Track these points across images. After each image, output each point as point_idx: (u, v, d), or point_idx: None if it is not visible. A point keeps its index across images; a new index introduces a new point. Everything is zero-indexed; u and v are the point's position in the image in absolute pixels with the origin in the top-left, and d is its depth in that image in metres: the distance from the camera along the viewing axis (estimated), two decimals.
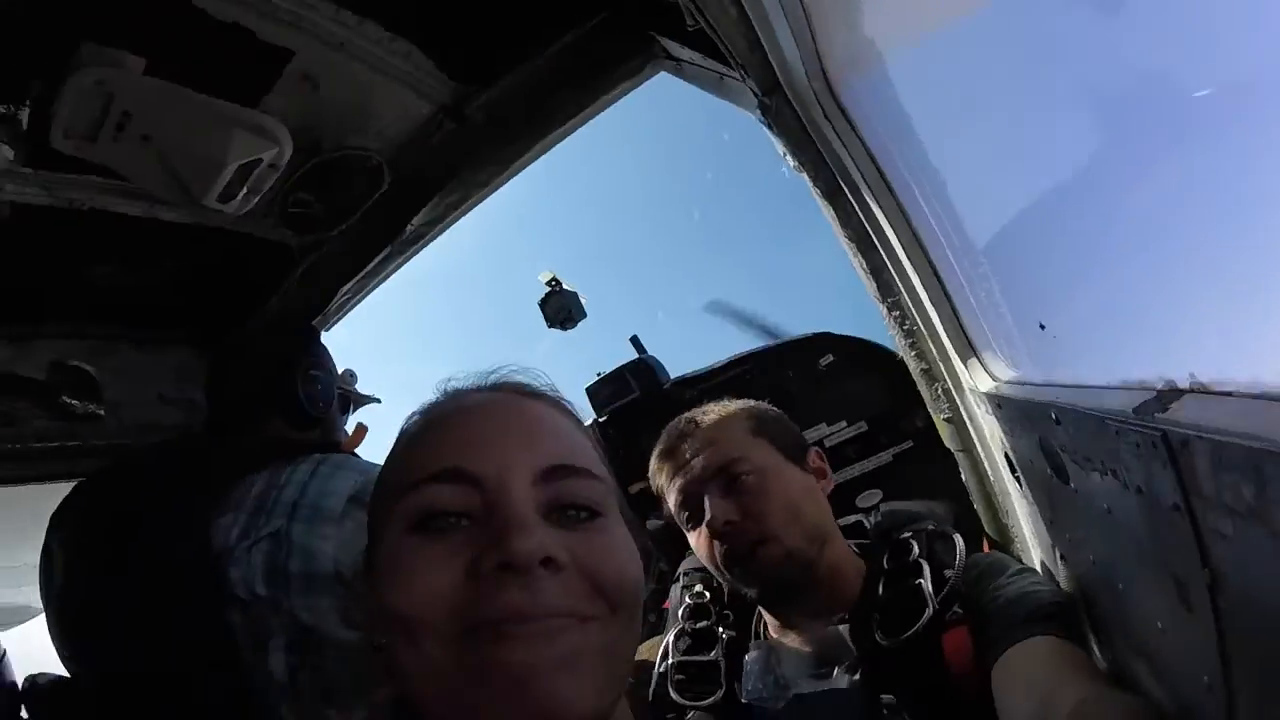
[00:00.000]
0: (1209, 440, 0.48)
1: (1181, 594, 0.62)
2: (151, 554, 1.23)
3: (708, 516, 1.29)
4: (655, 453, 1.43)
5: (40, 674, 1.39)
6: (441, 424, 0.71)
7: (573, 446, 0.70)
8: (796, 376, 1.91)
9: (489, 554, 0.60)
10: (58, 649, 1.36)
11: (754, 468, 1.31)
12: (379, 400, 1.98)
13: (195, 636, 1.19)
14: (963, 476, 1.48)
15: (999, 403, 1.11)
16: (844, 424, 1.92)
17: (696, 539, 1.34)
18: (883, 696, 1.10)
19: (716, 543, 1.29)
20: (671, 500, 1.37)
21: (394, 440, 0.75)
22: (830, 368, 1.92)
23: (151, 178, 1.44)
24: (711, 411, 1.42)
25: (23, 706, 1.33)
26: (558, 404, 0.75)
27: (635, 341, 2.27)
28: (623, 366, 2.23)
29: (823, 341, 2.06)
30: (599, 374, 2.25)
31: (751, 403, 1.45)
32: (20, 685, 1.36)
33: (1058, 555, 1.16)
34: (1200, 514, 0.52)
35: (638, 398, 2.15)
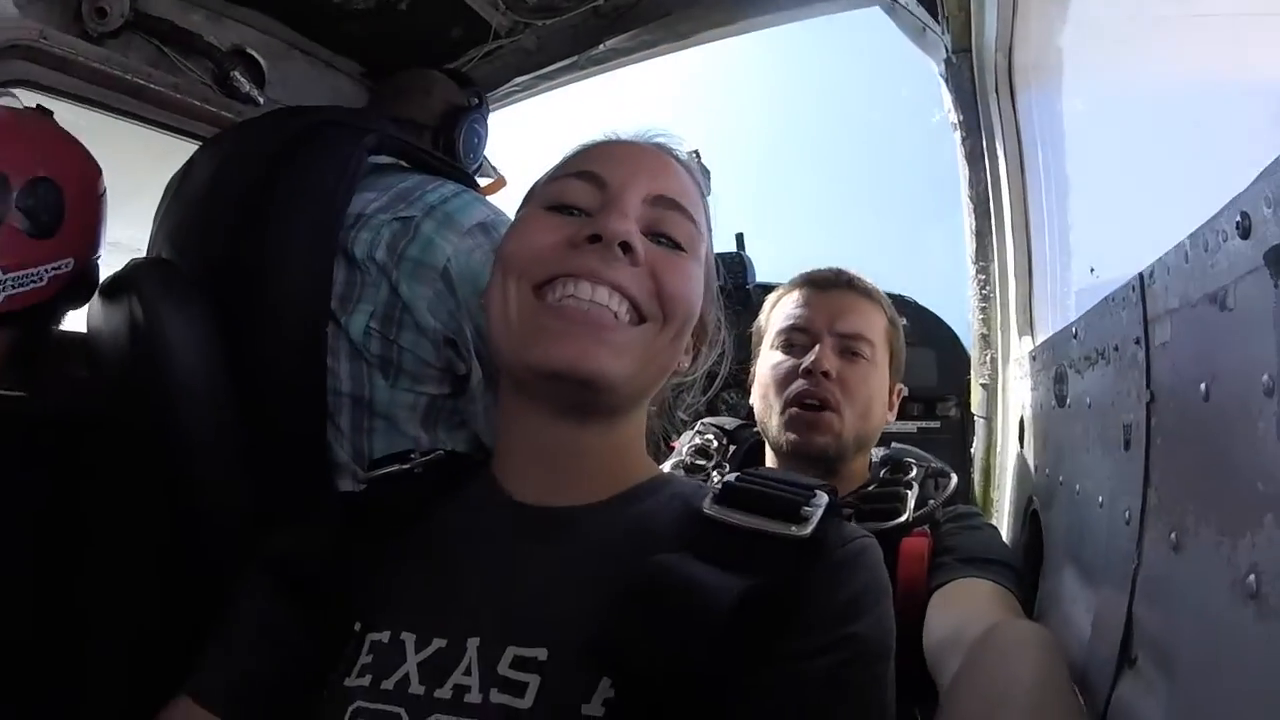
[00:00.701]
0: (1165, 261, 0.74)
1: (1125, 437, 0.84)
2: (297, 186, 1.39)
3: (812, 357, 1.41)
4: (802, 275, 1.55)
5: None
6: (592, 147, 0.95)
7: (685, 192, 0.90)
8: None
9: (586, 228, 0.82)
10: (160, 246, 1.55)
11: (872, 357, 1.46)
12: (505, 181, 2.27)
13: (301, 270, 1.37)
14: (974, 445, 1.77)
15: (1033, 355, 1.40)
16: None
17: (775, 361, 1.48)
18: None
19: (800, 380, 1.41)
20: (783, 317, 1.50)
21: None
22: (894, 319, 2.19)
23: None
24: (872, 287, 1.53)
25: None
26: (689, 169, 0.96)
27: (739, 238, 2.56)
28: (719, 253, 2.49)
29: (904, 305, 2.28)
30: None
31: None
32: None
33: (1028, 514, 1.43)
34: (1151, 332, 0.77)
35: (720, 286, 2.40)
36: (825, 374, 1.40)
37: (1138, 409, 0.81)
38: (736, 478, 0.81)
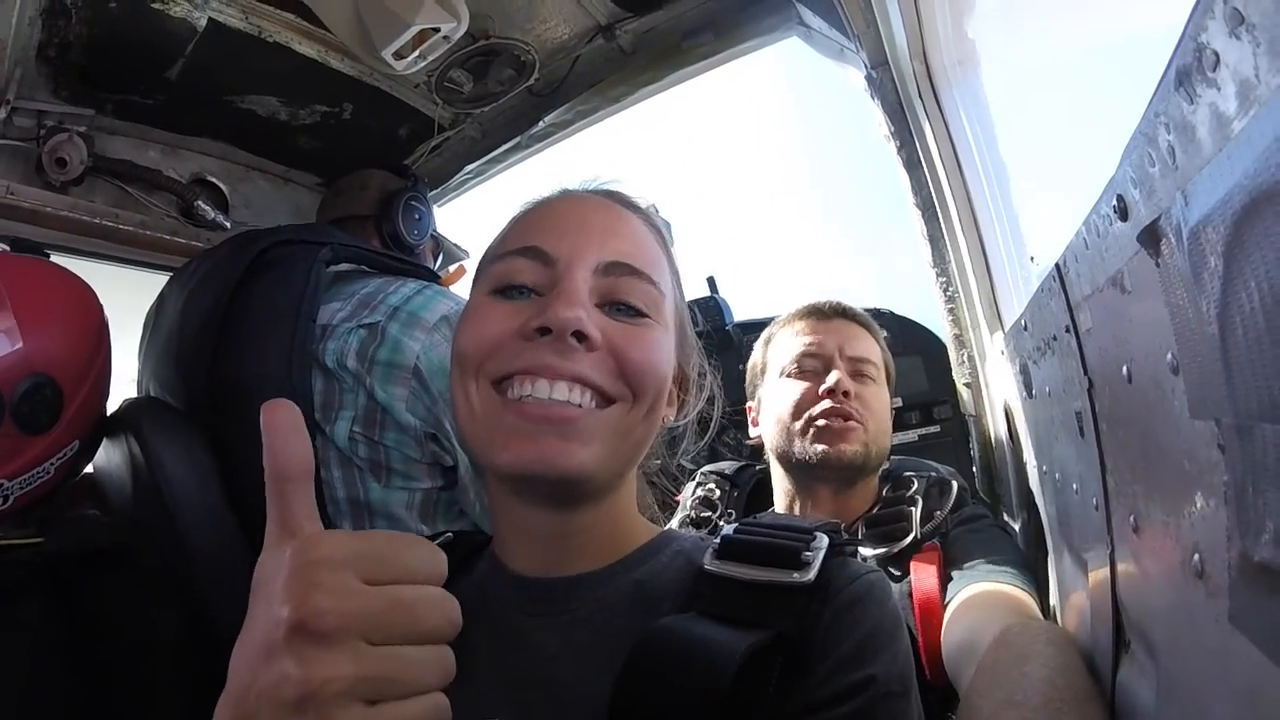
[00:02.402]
0: (1072, 248, 0.74)
1: (1079, 425, 0.83)
2: (264, 309, 1.44)
3: (834, 378, 1.45)
4: (800, 308, 1.60)
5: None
6: (538, 210, 0.88)
7: (640, 251, 0.83)
8: None
9: (535, 318, 0.75)
10: (147, 382, 1.62)
11: (877, 378, 1.52)
12: (468, 254, 2.30)
13: (280, 388, 1.38)
14: (971, 444, 1.76)
15: (1002, 350, 1.40)
16: None
17: (790, 387, 1.50)
18: None
19: (826, 401, 1.44)
20: (794, 346, 1.53)
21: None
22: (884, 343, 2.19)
23: (342, 24, 1.74)
24: (866, 316, 1.59)
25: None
26: (647, 217, 0.90)
27: (710, 281, 2.59)
28: (693, 300, 2.52)
29: (882, 318, 2.27)
30: None
31: None
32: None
33: (1030, 504, 1.41)
34: (1077, 320, 0.77)
35: (699, 332, 2.41)
36: (846, 393, 1.45)
37: (1082, 396, 0.81)
38: (735, 530, 0.80)
